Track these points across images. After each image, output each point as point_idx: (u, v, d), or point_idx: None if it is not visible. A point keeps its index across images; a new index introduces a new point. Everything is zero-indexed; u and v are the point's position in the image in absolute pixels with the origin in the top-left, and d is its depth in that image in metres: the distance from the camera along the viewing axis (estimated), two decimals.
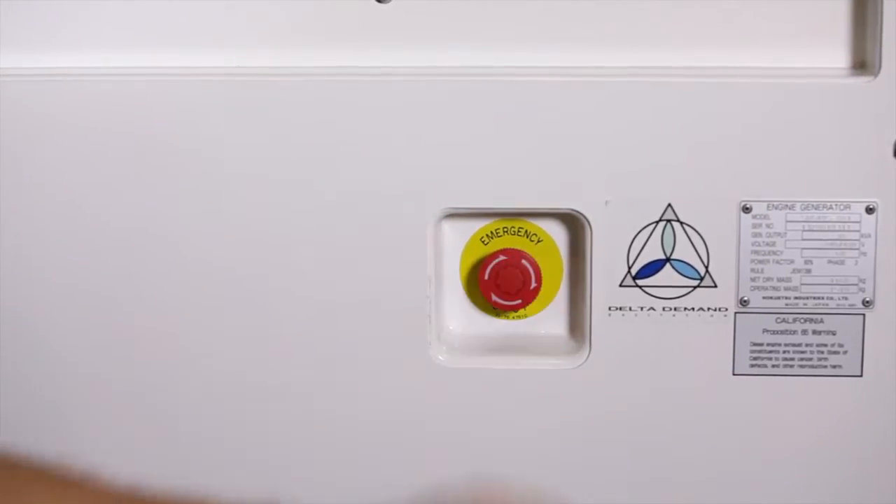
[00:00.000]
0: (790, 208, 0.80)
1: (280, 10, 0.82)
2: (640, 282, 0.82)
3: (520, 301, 0.83)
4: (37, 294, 0.85)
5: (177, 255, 0.83)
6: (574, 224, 0.83)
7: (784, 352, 0.82)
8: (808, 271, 0.81)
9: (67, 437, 0.86)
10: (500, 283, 0.82)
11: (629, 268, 0.82)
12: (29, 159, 0.83)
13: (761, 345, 0.82)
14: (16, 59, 0.83)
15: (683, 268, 0.81)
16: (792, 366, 0.82)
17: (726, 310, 0.82)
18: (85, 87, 0.82)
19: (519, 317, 0.85)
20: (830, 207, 0.80)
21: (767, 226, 0.81)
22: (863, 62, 0.80)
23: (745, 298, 0.81)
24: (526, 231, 0.84)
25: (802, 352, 0.82)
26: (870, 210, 0.80)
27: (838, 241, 0.80)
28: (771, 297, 0.81)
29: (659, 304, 0.82)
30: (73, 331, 0.85)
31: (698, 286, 0.81)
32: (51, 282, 0.84)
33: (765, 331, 0.82)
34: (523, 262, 0.83)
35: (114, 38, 0.83)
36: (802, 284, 0.81)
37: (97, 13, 0.83)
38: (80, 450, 0.85)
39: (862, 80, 0.79)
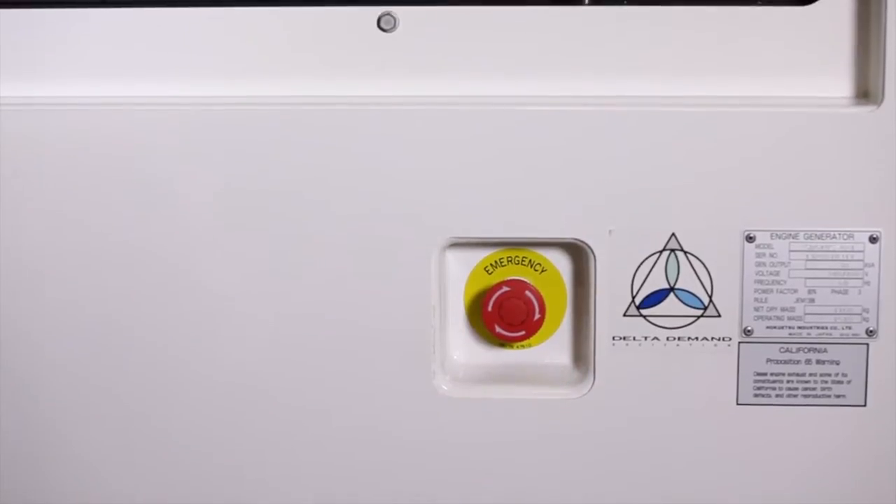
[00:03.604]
0: (793, 238, 0.80)
1: (284, 40, 0.83)
2: (644, 311, 0.82)
3: (523, 332, 0.83)
4: (37, 316, 0.85)
5: (178, 282, 0.83)
6: (578, 253, 0.83)
7: (788, 381, 0.82)
8: (812, 301, 0.81)
9: (65, 450, 0.87)
10: (504, 315, 0.82)
11: (633, 297, 0.82)
12: (31, 186, 0.83)
13: (765, 374, 0.82)
14: (16, 89, 0.84)
15: (687, 297, 0.81)
16: (796, 395, 0.82)
17: (730, 339, 0.82)
18: (88, 115, 0.82)
19: (523, 346, 0.85)
20: (834, 237, 0.80)
21: (771, 255, 0.81)
22: (866, 91, 0.81)
23: (749, 328, 0.81)
24: (530, 261, 0.84)
25: (806, 381, 0.82)
26: (873, 239, 0.80)
27: (842, 271, 0.81)
28: (775, 327, 0.81)
29: (663, 333, 0.82)
30: (75, 354, 0.85)
31: (702, 316, 0.82)
32: (52, 304, 0.85)
33: (769, 360, 0.82)
34: (527, 293, 0.83)
35: (122, 66, 0.84)
36: (806, 314, 0.81)
37: (104, 42, 0.83)
38: (79, 464, 0.86)
39: (865, 110, 0.79)
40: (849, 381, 0.82)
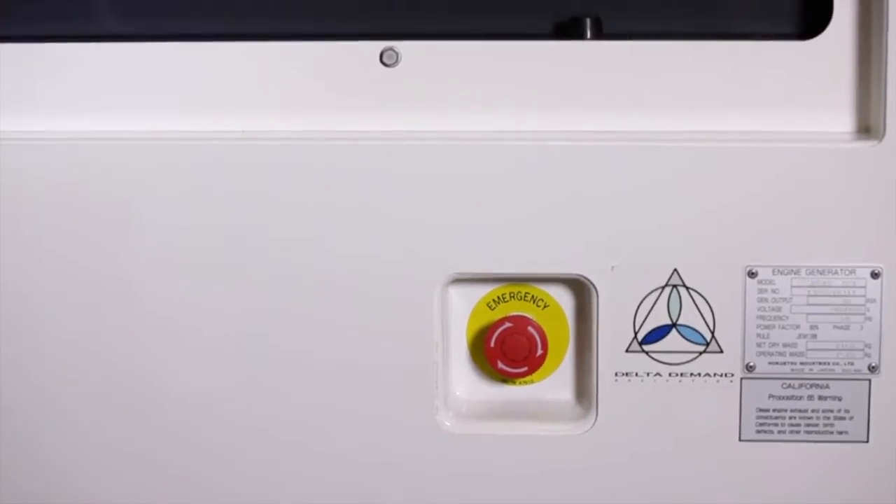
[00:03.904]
0: (795, 273, 0.81)
1: (285, 74, 0.83)
2: (646, 347, 0.82)
3: (526, 368, 0.83)
4: (35, 349, 0.85)
5: (177, 319, 0.83)
6: (580, 289, 0.83)
7: (790, 417, 0.82)
8: (814, 336, 0.81)
9: (67, 489, 0.87)
10: (507, 351, 0.83)
11: (635, 333, 0.82)
12: (30, 221, 0.83)
13: (767, 410, 0.82)
14: (15, 123, 0.85)
15: (690, 333, 0.81)
16: (798, 431, 0.82)
17: (732, 375, 0.82)
18: (84, 150, 0.82)
19: (526, 382, 0.85)
20: (836, 272, 0.80)
21: (773, 291, 0.81)
22: (867, 127, 0.81)
23: (751, 364, 0.81)
24: (532, 296, 0.84)
25: (809, 417, 0.82)
26: (875, 275, 0.80)
27: (844, 307, 0.81)
28: (777, 363, 0.81)
29: (665, 369, 0.82)
30: (74, 389, 0.85)
31: (704, 351, 0.82)
32: (51, 342, 0.85)
33: (771, 396, 0.82)
34: (529, 329, 0.83)
35: (119, 101, 0.84)
36: (808, 350, 0.81)
37: (102, 77, 0.84)
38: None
39: (867, 145, 0.79)
40: (851, 418, 0.82)
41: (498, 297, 0.84)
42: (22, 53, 0.84)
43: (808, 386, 0.82)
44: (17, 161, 0.83)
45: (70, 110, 0.84)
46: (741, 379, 0.82)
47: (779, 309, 0.81)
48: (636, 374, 0.82)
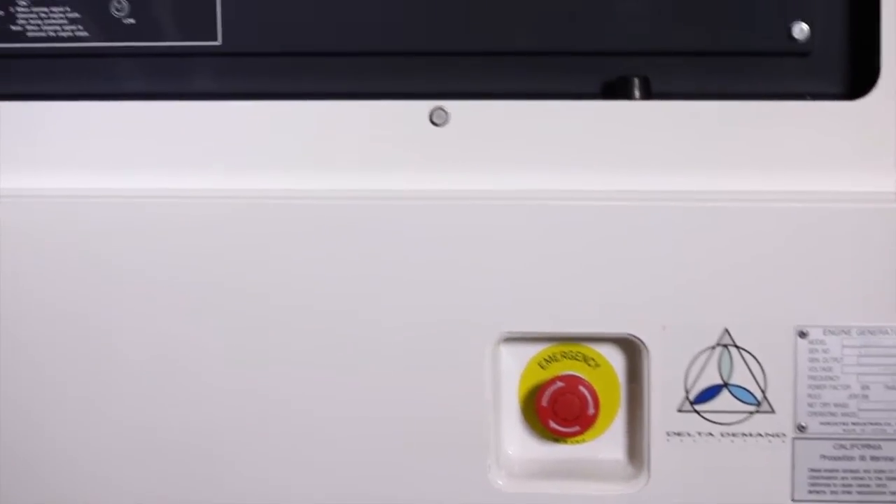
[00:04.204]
0: (846, 333, 0.81)
1: (335, 134, 0.84)
2: (697, 407, 0.82)
3: (577, 428, 0.83)
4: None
5: (218, 381, 0.84)
6: (631, 349, 0.83)
7: (842, 478, 0.82)
8: (866, 397, 0.81)
9: None
10: (558, 410, 0.83)
11: (687, 393, 0.82)
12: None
13: (819, 471, 0.82)
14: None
15: (741, 393, 0.81)
16: (850, 492, 0.82)
17: (784, 435, 0.82)
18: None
19: (577, 441, 0.85)
20: (886, 332, 0.80)
21: (824, 351, 0.81)
22: None
23: (803, 424, 0.81)
24: (584, 356, 0.84)
25: (861, 478, 0.82)
26: None
27: (895, 367, 0.81)
28: (828, 423, 0.81)
29: (717, 429, 0.82)
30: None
31: (756, 412, 0.82)
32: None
33: (823, 457, 0.82)
34: (581, 388, 0.83)
35: (163, 157, 0.85)
36: (860, 410, 0.81)
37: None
38: None
39: None
40: None
41: (549, 357, 0.84)
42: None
43: (860, 446, 0.82)
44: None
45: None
46: (793, 439, 0.82)
47: (830, 369, 0.81)
48: (688, 434, 0.82)
